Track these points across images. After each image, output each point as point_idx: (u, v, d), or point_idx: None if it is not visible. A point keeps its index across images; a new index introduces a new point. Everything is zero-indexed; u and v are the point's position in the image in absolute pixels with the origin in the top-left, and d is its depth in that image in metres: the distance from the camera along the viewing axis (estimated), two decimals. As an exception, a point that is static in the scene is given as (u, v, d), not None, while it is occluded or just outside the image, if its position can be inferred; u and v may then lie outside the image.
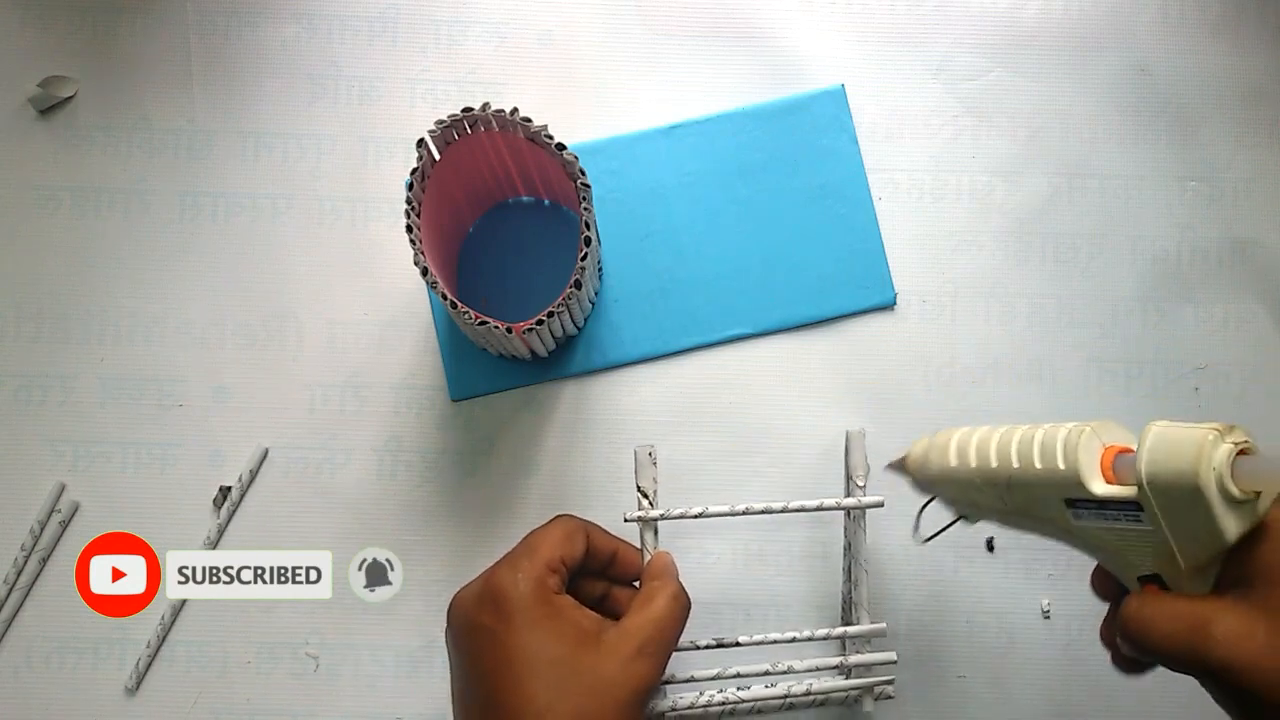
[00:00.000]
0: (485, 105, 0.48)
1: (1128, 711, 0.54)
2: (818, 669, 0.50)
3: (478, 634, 0.42)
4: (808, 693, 0.50)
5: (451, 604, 0.45)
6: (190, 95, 0.59)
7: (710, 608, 0.54)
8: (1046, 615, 0.55)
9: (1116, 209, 0.58)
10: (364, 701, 0.54)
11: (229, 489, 0.55)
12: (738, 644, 0.50)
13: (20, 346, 0.56)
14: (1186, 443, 0.35)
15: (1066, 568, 0.55)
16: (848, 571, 0.53)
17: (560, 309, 0.49)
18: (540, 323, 0.48)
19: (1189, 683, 0.56)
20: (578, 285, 0.49)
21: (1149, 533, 0.37)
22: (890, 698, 0.51)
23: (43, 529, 0.55)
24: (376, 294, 0.57)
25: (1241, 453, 0.35)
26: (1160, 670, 0.55)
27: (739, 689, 0.50)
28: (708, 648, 0.50)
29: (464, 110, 0.48)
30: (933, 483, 0.46)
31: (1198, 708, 0.54)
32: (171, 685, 0.54)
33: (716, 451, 0.56)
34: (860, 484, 0.52)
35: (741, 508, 0.50)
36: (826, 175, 0.58)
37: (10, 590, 0.54)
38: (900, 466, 0.49)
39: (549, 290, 0.55)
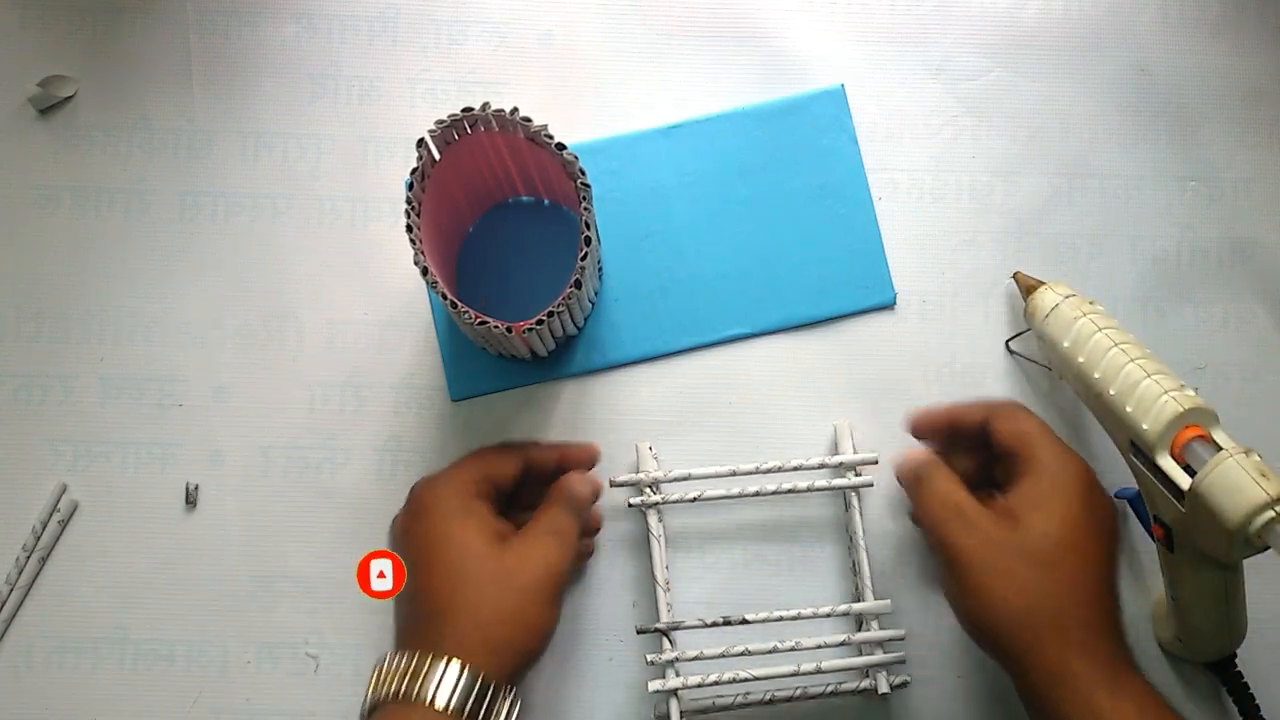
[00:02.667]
0: (485, 105, 0.48)
1: (1128, 711, 0.54)
2: (825, 644, 0.51)
3: (402, 538, 0.48)
4: (818, 670, 0.51)
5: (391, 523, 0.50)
6: (190, 95, 0.59)
7: (713, 608, 0.54)
8: (1046, 615, 0.55)
9: (1116, 209, 0.58)
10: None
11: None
12: (745, 621, 0.51)
13: (20, 346, 0.56)
14: (1246, 492, 0.41)
15: (1066, 568, 0.55)
16: (851, 560, 0.54)
17: (560, 309, 0.49)
18: (540, 323, 0.48)
19: (1188, 683, 0.56)
20: (578, 285, 0.49)
21: (1178, 506, 0.44)
22: (907, 683, 0.52)
23: (44, 528, 0.55)
24: (376, 294, 0.57)
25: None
26: (1160, 669, 0.55)
27: (747, 668, 0.51)
28: (714, 625, 0.51)
29: (464, 110, 0.48)
30: (1040, 336, 0.52)
31: (1199, 708, 0.54)
32: (171, 685, 0.54)
33: (716, 451, 0.56)
34: (852, 468, 0.54)
35: (736, 490, 0.53)
36: (826, 175, 0.58)
37: (11, 590, 0.54)
38: (1026, 292, 0.54)
39: (549, 290, 0.55)
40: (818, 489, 0.53)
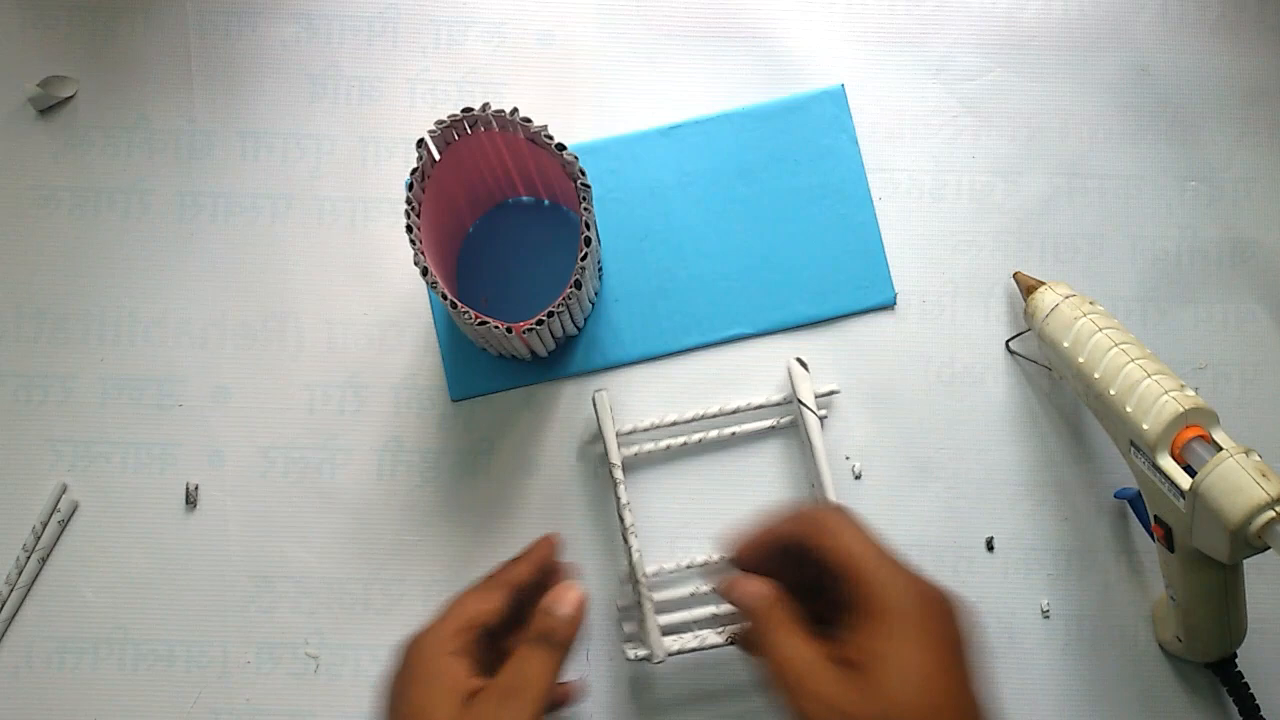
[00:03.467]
0: (485, 105, 0.48)
1: (1127, 711, 0.54)
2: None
3: (384, 698, 0.45)
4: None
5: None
6: (190, 95, 0.59)
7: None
8: (1046, 615, 0.55)
9: (1116, 209, 0.58)
10: (364, 701, 0.54)
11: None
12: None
13: (20, 346, 0.57)
14: (1246, 492, 0.42)
15: (1066, 568, 0.55)
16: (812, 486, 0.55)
17: (560, 309, 0.49)
18: (540, 323, 0.48)
19: (1187, 683, 0.56)
20: (578, 285, 0.49)
21: (1178, 505, 0.45)
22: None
23: (44, 528, 0.55)
24: (376, 294, 0.57)
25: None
26: (1160, 669, 0.55)
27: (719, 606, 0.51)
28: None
29: (464, 110, 0.48)
30: (1039, 336, 0.52)
31: (1198, 708, 0.54)
32: (171, 685, 0.54)
33: (716, 451, 0.56)
34: (808, 405, 0.54)
35: (697, 437, 0.55)
36: (826, 175, 0.58)
37: (11, 590, 0.54)
38: (1026, 292, 0.54)
39: (549, 290, 0.55)
40: (783, 425, 0.55)
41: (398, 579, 0.55)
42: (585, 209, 0.48)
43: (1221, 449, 0.44)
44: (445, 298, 0.47)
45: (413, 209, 0.48)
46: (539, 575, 0.48)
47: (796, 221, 0.57)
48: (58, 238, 0.57)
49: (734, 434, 0.55)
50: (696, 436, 0.55)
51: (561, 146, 0.48)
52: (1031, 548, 0.55)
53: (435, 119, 0.48)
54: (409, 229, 0.48)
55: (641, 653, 0.51)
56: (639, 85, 0.59)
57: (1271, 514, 0.41)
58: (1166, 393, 0.45)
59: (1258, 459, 0.43)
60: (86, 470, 0.56)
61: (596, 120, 0.58)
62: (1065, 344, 0.50)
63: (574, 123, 0.58)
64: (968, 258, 0.58)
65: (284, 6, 0.59)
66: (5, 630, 0.54)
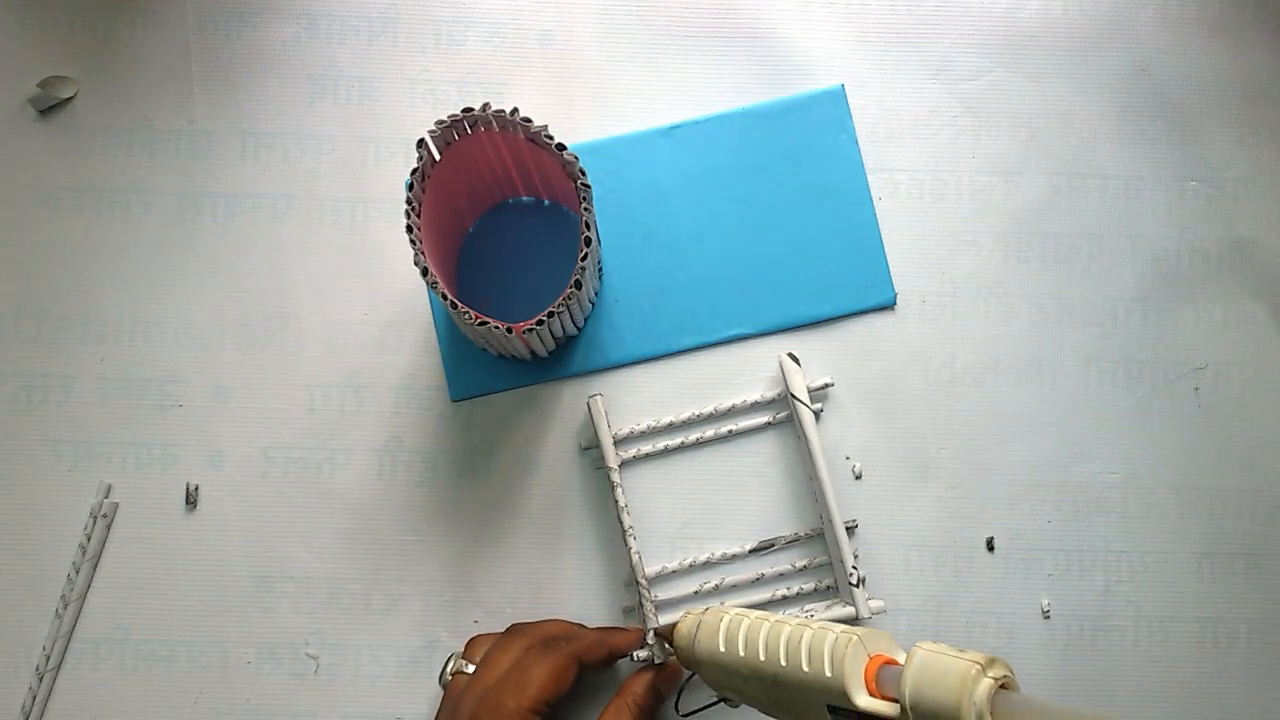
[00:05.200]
0: (485, 105, 0.48)
1: (1126, 712, 0.54)
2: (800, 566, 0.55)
3: None
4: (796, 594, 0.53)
5: (454, 685, 0.50)
6: (190, 95, 0.59)
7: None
8: (1046, 615, 0.55)
9: (1116, 209, 0.58)
10: (364, 701, 0.54)
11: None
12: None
13: (20, 346, 0.57)
14: (951, 674, 0.36)
15: (1066, 568, 0.55)
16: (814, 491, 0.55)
17: (560, 309, 0.49)
18: (540, 323, 0.48)
19: (1187, 684, 0.56)
20: (578, 285, 0.49)
21: None
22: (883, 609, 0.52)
23: (89, 537, 0.55)
24: (376, 294, 0.57)
25: (1002, 687, 0.35)
26: (1163, 671, 0.55)
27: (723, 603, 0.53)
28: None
29: (464, 110, 0.48)
30: (698, 663, 0.45)
31: (1197, 709, 0.54)
32: (171, 685, 0.54)
33: (715, 450, 0.56)
34: (801, 399, 0.54)
35: (694, 437, 0.56)
36: (826, 175, 0.58)
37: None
38: (667, 636, 0.48)
39: (549, 290, 0.55)
40: (778, 421, 0.55)
41: (398, 579, 0.55)
42: (585, 209, 0.48)
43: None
44: (445, 298, 0.47)
45: (413, 209, 0.48)
46: (606, 659, 0.51)
47: (797, 221, 0.57)
48: (58, 238, 0.57)
49: (730, 431, 0.56)
50: (694, 436, 0.55)
51: (561, 146, 0.48)
52: (1031, 548, 0.55)
53: (435, 119, 0.48)
54: (409, 229, 0.48)
55: (644, 654, 0.51)
56: (639, 85, 0.59)
57: (990, 680, 0.35)
58: (831, 630, 0.40)
59: (944, 645, 0.38)
60: (86, 470, 0.56)
61: (596, 120, 0.58)
62: (722, 648, 0.44)
63: (574, 123, 0.58)
64: (968, 258, 0.58)
65: (284, 6, 0.59)
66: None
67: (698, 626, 0.46)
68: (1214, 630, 0.55)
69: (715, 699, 0.47)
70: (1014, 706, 0.35)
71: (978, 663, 0.35)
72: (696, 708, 0.50)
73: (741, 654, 0.43)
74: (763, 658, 0.42)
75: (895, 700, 0.37)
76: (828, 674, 0.39)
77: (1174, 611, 0.55)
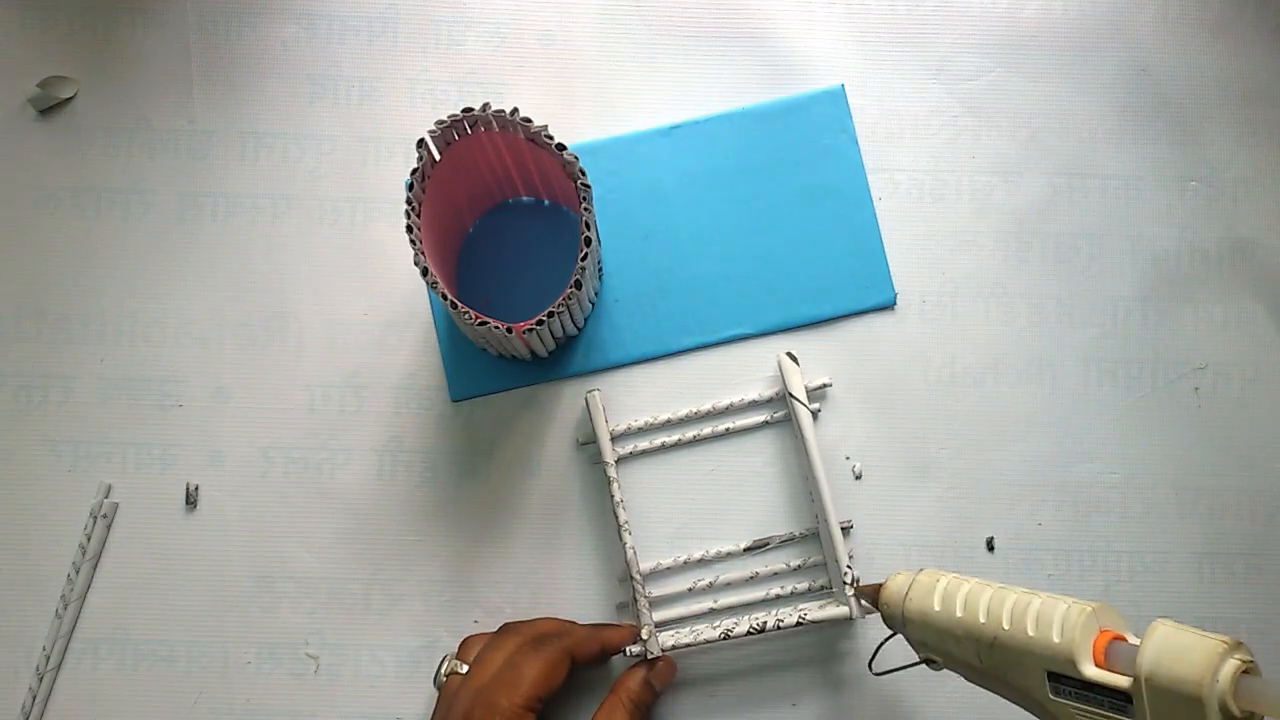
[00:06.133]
0: (485, 105, 0.48)
1: (1128, 711, 0.54)
2: (793, 566, 0.55)
3: None
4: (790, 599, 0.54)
5: (449, 686, 0.50)
6: (190, 95, 0.59)
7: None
8: (1046, 615, 0.55)
9: (1116, 209, 0.58)
10: (364, 701, 0.54)
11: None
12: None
13: (20, 346, 0.57)
14: (1196, 650, 0.35)
15: (1066, 568, 0.55)
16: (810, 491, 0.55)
17: (560, 309, 0.49)
18: (540, 323, 0.48)
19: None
20: (578, 285, 0.49)
21: None
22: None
23: (89, 537, 0.55)
24: (376, 294, 0.57)
25: (1245, 672, 0.35)
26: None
27: (716, 600, 0.54)
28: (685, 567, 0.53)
29: (464, 110, 0.48)
30: (907, 621, 0.45)
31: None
32: (171, 685, 0.54)
33: (713, 449, 0.56)
34: (798, 399, 0.54)
35: (692, 434, 0.56)
36: (826, 175, 0.58)
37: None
38: (873, 595, 0.47)
39: (549, 290, 0.55)
40: (776, 421, 0.56)
41: (398, 579, 0.55)
42: (585, 209, 0.48)
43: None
44: (445, 298, 0.47)
45: (413, 209, 0.48)
46: (598, 655, 0.52)
47: (797, 221, 0.57)
48: (58, 238, 0.57)
49: (728, 430, 0.56)
50: (691, 434, 0.56)
51: (561, 146, 0.48)
52: (1031, 548, 0.55)
53: (435, 119, 0.48)
54: (409, 229, 0.48)
55: (637, 649, 0.51)
56: (639, 85, 0.59)
57: (1236, 661, 0.35)
58: (1062, 600, 0.40)
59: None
60: (86, 470, 0.56)
61: (596, 120, 0.58)
62: (936, 607, 0.44)
63: (574, 123, 0.58)
64: (968, 258, 0.58)
65: (284, 6, 0.59)
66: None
67: (910, 585, 0.45)
68: (1214, 630, 0.55)
69: (915, 660, 0.46)
70: (1261, 692, 0.34)
71: (1225, 642, 0.35)
72: (893, 667, 0.48)
73: (959, 614, 0.43)
74: (983, 619, 0.42)
75: (1128, 675, 0.37)
76: (1057, 640, 0.39)
77: (1174, 611, 0.55)
